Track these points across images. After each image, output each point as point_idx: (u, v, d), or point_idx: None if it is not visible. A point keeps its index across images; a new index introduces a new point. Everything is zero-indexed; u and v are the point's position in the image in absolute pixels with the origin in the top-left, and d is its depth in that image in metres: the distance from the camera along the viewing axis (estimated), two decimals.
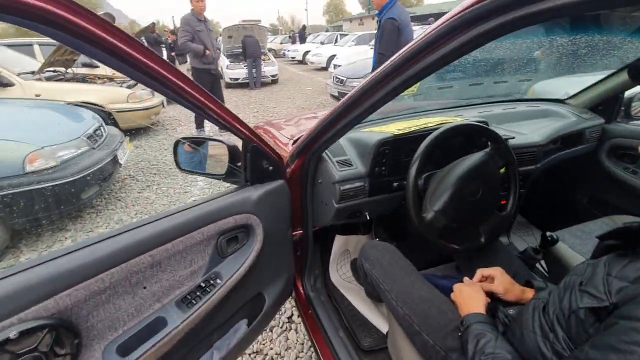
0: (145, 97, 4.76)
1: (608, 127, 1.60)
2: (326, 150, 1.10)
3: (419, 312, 0.83)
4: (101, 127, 2.93)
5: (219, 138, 0.97)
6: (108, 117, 4.18)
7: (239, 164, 0.96)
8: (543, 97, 2.02)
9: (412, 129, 1.10)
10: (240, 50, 8.59)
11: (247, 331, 1.01)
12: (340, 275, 1.53)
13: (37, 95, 3.98)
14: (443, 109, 1.51)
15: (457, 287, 0.87)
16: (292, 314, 1.71)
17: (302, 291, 1.35)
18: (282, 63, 15.22)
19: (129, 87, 4.66)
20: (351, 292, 1.43)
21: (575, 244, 1.29)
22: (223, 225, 0.86)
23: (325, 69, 11.47)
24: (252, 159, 0.92)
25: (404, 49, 0.66)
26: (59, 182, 2.21)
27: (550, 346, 0.62)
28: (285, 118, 2.08)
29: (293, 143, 1.36)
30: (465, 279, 0.91)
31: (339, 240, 1.56)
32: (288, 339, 1.57)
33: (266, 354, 1.50)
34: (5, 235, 2.17)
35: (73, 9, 0.48)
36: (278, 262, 1.10)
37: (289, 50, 17.17)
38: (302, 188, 1.13)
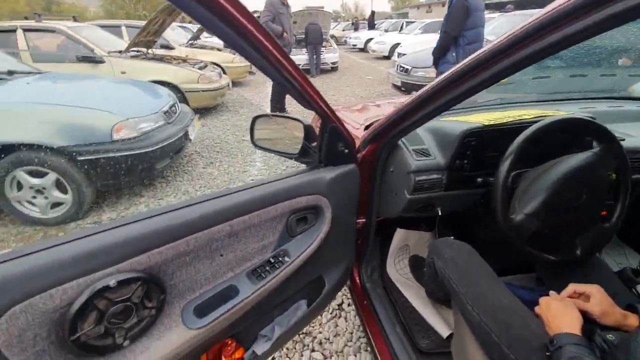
0: (214, 78, 5.02)
1: None
2: (402, 138, 1.04)
3: (498, 321, 0.75)
4: (175, 104, 3.14)
5: (296, 117, 0.96)
6: (181, 95, 4.49)
7: (314, 144, 0.94)
8: None
9: (504, 121, 0.99)
10: (303, 36, 8.63)
11: (306, 311, 1.01)
12: (397, 270, 1.47)
13: (122, 73, 4.39)
14: (538, 101, 1.35)
15: (545, 300, 0.77)
16: (343, 302, 1.70)
17: (358, 281, 1.32)
18: (343, 51, 15.03)
19: (200, 68, 4.94)
20: (408, 289, 1.37)
21: None
22: (295, 204, 0.86)
23: (387, 57, 11.09)
24: (330, 140, 0.89)
25: (500, 37, 0.58)
26: (138, 152, 2.42)
27: None
28: (348, 105, 2.03)
29: (365, 128, 1.31)
30: (553, 292, 0.81)
31: (399, 234, 1.49)
32: (337, 325, 1.57)
33: (315, 337, 1.51)
34: (92, 195, 2.44)
35: None
36: (340, 248, 1.08)
37: (350, 38, 16.89)
38: (371, 175, 1.08)
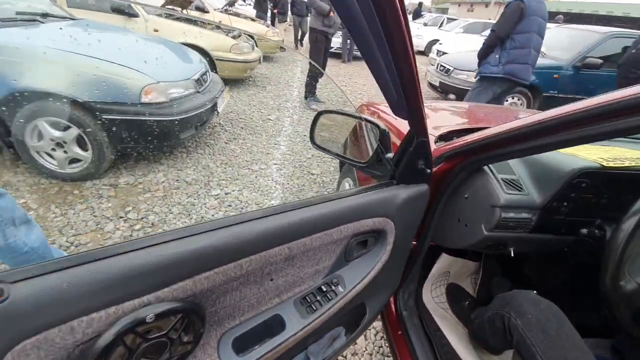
0: (246, 50, 4.83)
1: None
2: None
3: None
4: (207, 72, 2.99)
5: (372, 119, 0.80)
6: (210, 63, 4.32)
7: (388, 155, 0.79)
8: None
9: (631, 164, 0.81)
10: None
11: (345, 342, 0.89)
12: (432, 297, 1.33)
13: (155, 30, 4.23)
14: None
15: None
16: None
17: (393, 307, 1.19)
18: None
19: (233, 37, 4.74)
20: (444, 322, 1.24)
21: None
22: (360, 226, 0.72)
23: (422, 53, 10.66)
24: (413, 155, 0.73)
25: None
26: (165, 119, 2.29)
27: None
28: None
29: (437, 141, 1.15)
30: None
31: (444, 259, 1.35)
32: (356, 343, 1.46)
33: None
34: (112, 156, 2.33)
35: None
36: (390, 275, 0.95)
37: None
38: (437, 197, 0.93)
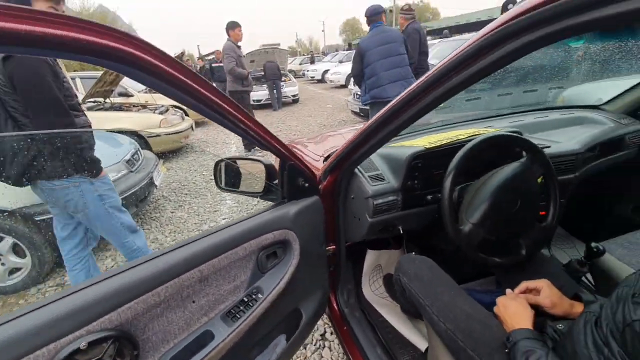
0: (175, 121, 5.03)
1: None
2: (358, 166, 1.13)
3: (462, 327, 0.81)
4: (138, 152, 3.11)
5: (256, 157, 1.02)
6: (143, 141, 4.44)
7: (276, 181, 1.00)
8: (574, 104, 1.97)
9: (444, 142, 1.11)
10: (262, 73, 8.92)
11: (286, 346, 1.02)
12: (372, 291, 1.52)
13: None
14: (472, 120, 1.51)
15: (500, 300, 0.85)
16: (325, 332, 1.70)
17: (336, 307, 1.34)
18: (302, 83, 15.60)
19: (160, 113, 4.94)
20: (385, 308, 1.41)
21: (623, 255, 1.22)
22: (263, 240, 0.89)
23: (344, 86, 11.65)
24: (290, 177, 0.95)
25: (437, 65, 0.68)
26: None
27: None
28: (308, 137, 2.14)
29: (324, 160, 1.40)
30: (508, 291, 0.89)
31: (370, 255, 1.55)
32: (322, 356, 1.56)
33: None
34: (53, 255, 2.31)
35: (142, 47, 0.54)
36: (313, 278, 1.12)
37: (308, 70, 17.62)
38: (334, 203, 1.15)
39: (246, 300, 0.87)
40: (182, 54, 10.34)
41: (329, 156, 1.39)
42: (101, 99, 5.05)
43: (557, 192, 1.08)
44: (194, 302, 0.78)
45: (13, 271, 2.22)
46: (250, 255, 0.88)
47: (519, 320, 0.77)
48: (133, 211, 2.69)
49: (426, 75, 0.69)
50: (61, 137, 1.41)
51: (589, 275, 1.26)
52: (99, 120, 4.41)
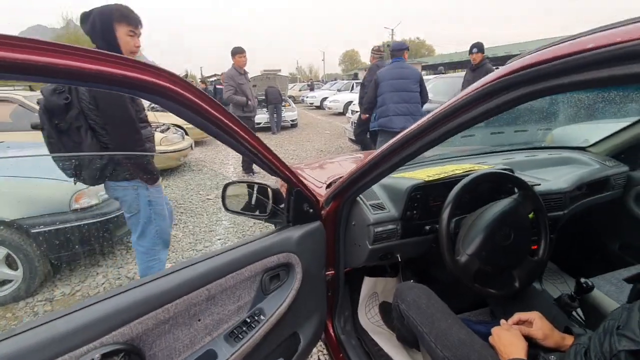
0: (175, 140, 5.10)
1: (633, 174, 1.62)
2: (360, 195, 1.18)
3: (459, 355, 0.84)
4: None
5: (264, 182, 1.07)
6: None
7: (282, 205, 1.05)
8: (561, 144, 2.09)
9: (442, 176, 1.18)
10: (263, 97, 9.16)
11: None
12: (368, 319, 1.53)
13: None
14: (467, 156, 1.60)
15: (495, 331, 0.88)
16: (319, 359, 1.68)
17: (332, 333, 1.35)
18: (301, 108, 15.97)
19: (162, 131, 5.02)
20: (381, 337, 1.42)
21: (610, 291, 1.27)
22: (268, 263, 0.93)
23: (342, 114, 11.96)
24: (296, 202, 1.00)
25: (442, 106, 0.76)
26: (99, 220, 2.35)
27: None
28: (307, 162, 2.21)
29: (327, 187, 1.45)
30: (503, 321, 0.92)
31: (367, 283, 1.57)
32: None
33: None
34: (45, 269, 2.28)
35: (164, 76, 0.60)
36: (313, 302, 1.14)
37: (307, 97, 18.11)
38: (335, 229, 1.19)
39: (249, 321, 0.89)
40: (185, 75, 10.60)
41: (331, 183, 1.45)
42: None
43: (547, 227, 1.14)
44: (199, 320, 0.80)
45: (2, 283, 2.18)
46: (255, 276, 0.91)
47: (514, 350, 0.81)
48: (128, 229, 2.68)
49: (431, 114, 0.77)
50: (137, 148, 1.68)
51: (579, 310, 1.30)
52: None
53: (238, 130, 0.76)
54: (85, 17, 1.61)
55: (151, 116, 6.31)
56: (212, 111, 0.68)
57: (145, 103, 6.72)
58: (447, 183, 1.14)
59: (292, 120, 9.80)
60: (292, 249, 0.98)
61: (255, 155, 0.84)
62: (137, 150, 1.68)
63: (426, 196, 1.16)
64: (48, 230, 2.19)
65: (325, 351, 1.69)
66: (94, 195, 2.39)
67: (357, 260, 1.22)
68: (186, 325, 0.77)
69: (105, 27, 1.60)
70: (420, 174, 1.22)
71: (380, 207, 1.16)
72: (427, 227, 1.17)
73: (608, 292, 1.27)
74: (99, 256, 2.76)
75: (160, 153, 4.70)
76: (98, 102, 1.57)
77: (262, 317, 0.91)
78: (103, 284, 2.42)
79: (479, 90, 0.66)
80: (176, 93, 0.59)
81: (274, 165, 0.90)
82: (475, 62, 4.24)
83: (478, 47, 4.22)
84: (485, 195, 1.17)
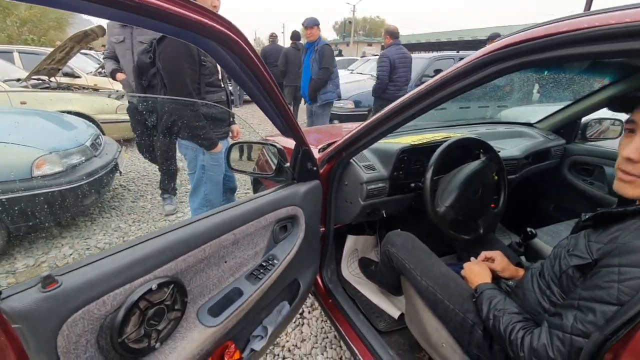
0: None
1: (568, 147, 1.94)
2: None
3: (440, 283, 1.03)
4: (99, 136, 2.96)
5: (271, 142, 1.15)
6: (98, 127, 4.16)
7: (287, 164, 1.13)
8: (511, 120, 2.40)
9: (424, 141, 1.34)
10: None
11: (289, 311, 1.16)
12: (350, 272, 1.70)
13: (22, 103, 3.90)
14: (439, 127, 1.79)
15: (466, 265, 1.08)
16: (303, 311, 1.84)
17: (321, 283, 1.50)
18: None
19: (117, 98, 4.66)
20: (362, 285, 1.61)
21: (548, 240, 1.56)
22: (279, 214, 1.03)
23: None
24: (302, 160, 1.09)
25: (431, 80, 0.89)
26: (63, 188, 2.23)
27: (547, 299, 0.83)
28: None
29: (320, 150, 1.56)
30: (472, 258, 1.13)
31: (350, 240, 1.74)
32: (302, 332, 1.70)
33: (283, 346, 1.62)
34: (2, 241, 2.14)
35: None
36: (311, 253, 1.26)
37: None
38: (328, 189, 1.31)
39: (264, 264, 1.00)
40: None
41: (324, 148, 1.56)
42: (46, 77, 4.62)
43: (506, 186, 1.37)
44: (226, 262, 0.89)
45: None
46: (269, 225, 1.01)
47: (482, 278, 1.01)
48: (94, 198, 2.57)
49: (421, 87, 0.90)
50: (188, 111, 1.75)
51: (523, 258, 1.59)
52: (45, 100, 4.05)
53: (276, 92, 0.84)
54: None
55: (103, 81, 5.81)
56: (262, 69, 0.75)
57: (89, 68, 6.11)
58: (425, 149, 1.31)
59: None
60: (298, 203, 1.08)
61: (282, 116, 0.92)
62: (188, 114, 1.75)
63: (410, 159, 1.32)
64: (6, 199, 2.04)
65: (313, 298, 1.84)
66: (57, 162, 2.25)
67: (347, 216, 1.35)
68: (216, 265, 0.85)
69: None
70: (405, 140, 1.37)
71: (371, 167, 1.30)
72: (412, 185, 1.33)
73: (546, 241, 1.55)
74: (60, 228, 2.62)
75: (117, 122, 4.40)
76: (162, 62, 1.70)
77: (275, 261, 1.02)
78: (71, 254, 2.33)
79: (469, 64, 0.80)
80: (234, 42, 0.64)
81: (292, 126, 0.98)
82: None
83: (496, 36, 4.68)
84: (457, 158, 1.35)
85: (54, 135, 2.57)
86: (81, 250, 2.37)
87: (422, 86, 0.90)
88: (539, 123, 2.07)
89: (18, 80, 4.18)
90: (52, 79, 4.69)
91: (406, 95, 0.94)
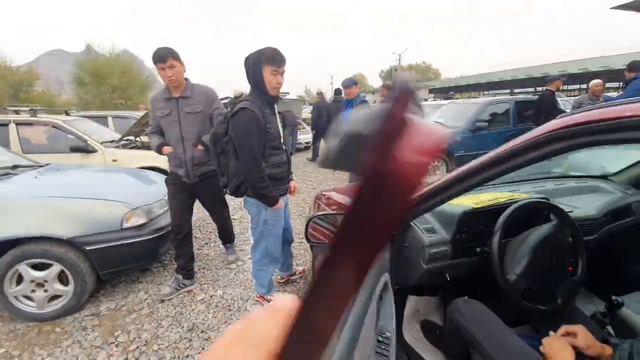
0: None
1: None
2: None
3: None
4: None
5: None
6: None
7: None
8: (578, 168, 2.24)
9: (487, 203, 1.33)
10: None
11: None
12: (412, 335, 1.63)
13: (113, 160, 4.58)
14: (501, 184, 1.75)
15: (546, 341, 1.00)
16: None
17: None
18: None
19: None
20: (425, 352, 1.53)
21: (638, 309, 1.37)
22: (382, 280, 1.03)
23: None
24: None
25: (493, 152, 0.92)
26: (146, 238, 2.52)
27: None
28: (336, 188, 2.39)
29: None
30: (551, 333, 1.04)
31: (411, 301, 1.69)
32: None
33: None
34: (93, 284, 2.43)
35: None
36: None
37: None
38: (391, 251, 1.34)
39: (380, 339, 0.97)
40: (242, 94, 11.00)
41: None
42: (132, 137, 5.40)
43: (584, 250, 1.27)
44: None
45: (53, 298, 2.33)
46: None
47: (564, 356, 0.93)
48: (168, 247, 2.84)
49: (489, 155, 0.93)
50: (254, 173, 1.98)
51: (609, 327, 1.41)
52: (131, 157, 4.70)
53: None
54: (244, 61, 1.97)
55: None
56: None
57: (106, 137, 7.00)
58: (492, 210, 1.29)
59: (306, 143, 10.06)
60: (387, 269, 1.10)
61: None
62: (254, 175, 1.96)
63: (474, 221, 1.31)
64: (100, 247, 2.35)
65: None
66: (142, 215, 2.57)
67: (410, 278, 1.35)
68: None
69: (254, 67, 1.92)
70: (465, 201, 1.37)
71: (432, 230, 1.31)
72: (478, 249, 1.30)
73: (635, 309, 1.37)
74: (137, 274, 2.90)
75: None
76: (234, 132, 1.93)
77: (387, 334, 0.98)
78: (146, 299, 2.55)
79: (529, 141, 0.82)
80: None
81: None
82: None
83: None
84: (525, 220, 1.31)
85: (142, 191, 2.95)
86: (155, 296, 2.58)
87: (492, 153, 0.92)
88: (615, 176, 1.92)
89: (112, 141, 4.95)
90: (138, 138, 5.47)
91: (477, 160, 0.97)
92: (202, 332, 2.18)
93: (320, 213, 1.23)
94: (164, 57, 2.23)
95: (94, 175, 3.30)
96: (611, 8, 7.05)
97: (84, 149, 4.50)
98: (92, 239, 2.34)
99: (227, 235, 3.14)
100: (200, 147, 2.43)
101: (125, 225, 2.45)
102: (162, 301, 2.51)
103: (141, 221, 2.54)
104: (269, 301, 2.39)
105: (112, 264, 2.43)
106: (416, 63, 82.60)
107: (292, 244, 2.70)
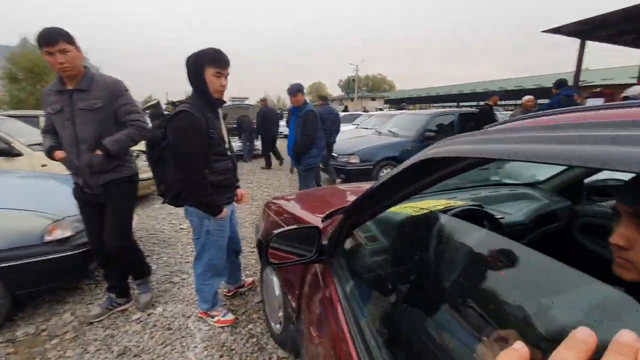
0: (145, 168, 4.97)
1: (575, 208, 1.92)
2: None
3: None
4: None
5: (309, 224, 1.18)
6: None
7: (324, 242, 1.16)
8: (512, 176, 2.42)
9: (425, 211, 1.35)
10: (235, 125, 9.23)
11: None
12: None
13: (43, 165, 4.12)
14: (441, 191, 1.81)
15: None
16: None
17: None
18: None
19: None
20: None
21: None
22: None
23: None
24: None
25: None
26: (72, 252, 2.26)
27: None
28: (288, 195, 2.35)
29: (324, 219, 1.58)
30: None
31: None
32: None
33: None
34: (8, 307, 2.12)
35: None
36: None
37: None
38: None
39: None
40: (158, 102, 10.41)
41: (327, 215, 1.58)
42: None
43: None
44: None
45: None
46: None
47: None
48: (101, 260, 2.57)
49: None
50: (194, 181, 1.86)
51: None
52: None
53: None
54: (185, 61, 1.83)
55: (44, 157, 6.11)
56: None
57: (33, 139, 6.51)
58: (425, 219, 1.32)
59: None
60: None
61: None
62: (194, 183, 1.84)
63: (410, 229, 1.32)
64: (15, 265, 2.06)
65: None
66: (68, 227, 2.30)
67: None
68: None
69: (195, 69, 1.81)
70: (404, 209, 1.38)
71: (373, 238, 1.30)
72: (416, 256, 1.32)
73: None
74: (63, 292, 2.60)
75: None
76: (171, 136, 1.80)
77: None
78: (71, 322, 2.28)
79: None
80: None
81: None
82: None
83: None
84: None
85: (67, 200, 2.65)
86: (82, 318, 2.32)
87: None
88: (543, 184, 2.08)
89: (40, 144, 4.45)
90: None
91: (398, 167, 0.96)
92: (135, 355, 1.97)
93: (279, 231, 1.14)
94: (53, 39, 1.74)
95: (14, 182, 2.94)
96: (542, 31, 7.85)
97: (7, 152, 4.01)
98: (6, 255, 2.05)
99: (138, 270, 2.49)
100: (99, 152, 1.94)
101: (48, 238, 2.18)
102: (91, 323, 2.25)
103: (67, 234, 2.28)
104: (212, 317, 2.24)
105: (30, 283, 2.15)
106: (372, 74, 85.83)
107: (241, 254, 2.59)
